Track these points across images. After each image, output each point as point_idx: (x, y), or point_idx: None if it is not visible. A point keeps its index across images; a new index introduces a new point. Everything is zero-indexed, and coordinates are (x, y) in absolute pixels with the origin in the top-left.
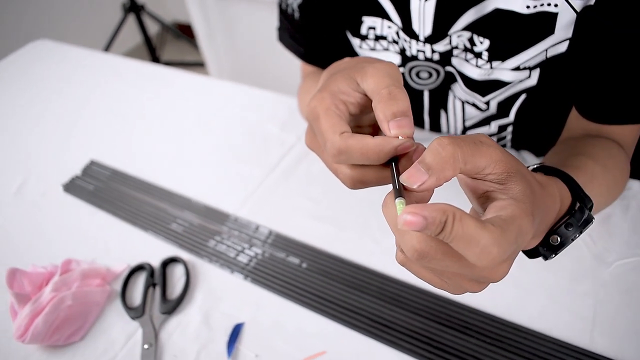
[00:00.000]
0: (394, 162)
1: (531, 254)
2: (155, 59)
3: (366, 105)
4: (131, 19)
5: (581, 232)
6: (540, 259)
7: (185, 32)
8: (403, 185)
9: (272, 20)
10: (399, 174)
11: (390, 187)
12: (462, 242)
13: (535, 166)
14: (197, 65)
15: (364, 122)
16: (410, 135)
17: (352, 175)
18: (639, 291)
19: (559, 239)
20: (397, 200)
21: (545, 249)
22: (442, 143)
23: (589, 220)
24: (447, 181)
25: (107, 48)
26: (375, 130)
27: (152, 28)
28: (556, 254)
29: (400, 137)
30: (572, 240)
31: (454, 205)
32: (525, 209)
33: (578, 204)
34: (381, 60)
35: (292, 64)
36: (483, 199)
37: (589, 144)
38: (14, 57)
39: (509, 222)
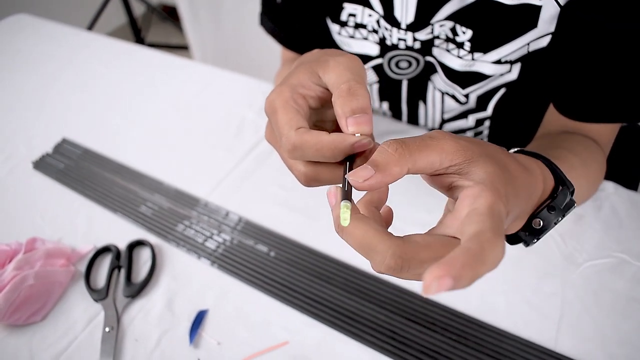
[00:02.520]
0: (349, 162)
1: (512, 239)
2: (139, 40)
3: (327, 100)
4: None
5: (563, 216)
6: (520, 246)
7: (170, 14)
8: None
9: (257, 6)
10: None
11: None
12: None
13: (515, 150)
14: (182, 48)
15: (327, 116)
16: (369, 133)
17: (306, 173)
18: (606, 293)
19: (541, 222)
20: (343, 203)
21: (527, 233)
22: (387, 142)
23: (571, 205)
24: (394, 179)
25: (91, 27)
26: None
27: (138, 9)
28: (538, 239)
29: (357, 135)
30: (555, 224)
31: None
32: (491, 189)
33: (560, 187)
34: (344, 53)
35: (275, 51)
36: (451, 191)
37: (566, 139)
38: None
39: (476, 214)
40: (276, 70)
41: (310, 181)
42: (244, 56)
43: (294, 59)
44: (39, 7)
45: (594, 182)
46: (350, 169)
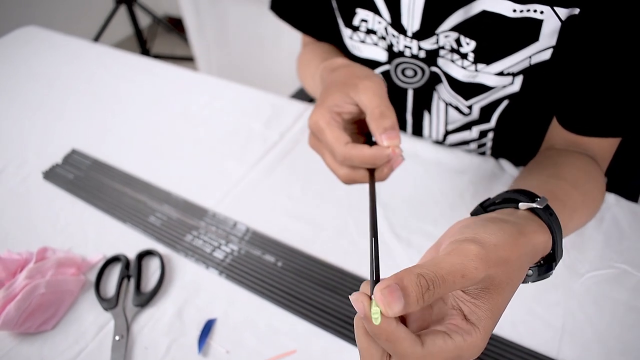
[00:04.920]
0: (371, 178)
1: None
2: (145, 51)
3: (358, 113)
4: (122, 10)
5: (534, 282)
6: None
7: (176, 26)
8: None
9: (263, 18)
10: (377, 264)
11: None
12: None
13: (540, 207)
14: (187, 59)
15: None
16: (398, 144)
17: (346, 174)
18: (609, 303)
19: None
20: (374, 304)
21: None
22: (422, 280)
23: (548, 276)
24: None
25: (97, 38)
26: (359, 125)
27: (144, 20)
28: None
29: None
30: (522, 282)
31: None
32: (477, 341)
33: (550, 254)
34: (369, 76)
35: (279, 63)
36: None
37: (570, 165)
38: (0, 43)
39: (449, 348)
40: (278, 82)
41: (349, 181)
42: (249, 68)
43: (314, 42)
44: (47, 19)
45: (592, 212)
46: (372, 176)
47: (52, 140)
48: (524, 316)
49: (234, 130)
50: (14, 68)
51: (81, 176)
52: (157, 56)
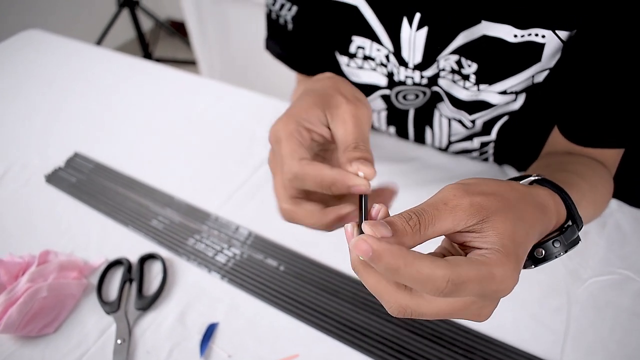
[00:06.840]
0: (364, 199)
1: None
2: (147, 55)
3: (330, 140)
4: (125, 14)
5: (566, 252)
6: None
7: (178, 29)
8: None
9: (264, 22)
10: (367, 211)
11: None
12: (415, 284)
13: (537, 178)
14: (189, 63)
15: (328, 148)
16: (370, 176)
17: (286, 209)
18: (611, 308)
19: (543, 252)
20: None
21: (526, 258)
22: (407, 215)
23: (576, 242)
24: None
25: (100, 42)
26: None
27: (146, 24)
28: (536, 266)
29: (360, 174)
30: (556, 257)
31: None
32: (502, 259)
33: (570, 223)
34: (355, 101)
35: (281, 67)
36: (462, 246)
37: (575, 162)
38: (3, 46)
39: (476, 264)
40: (280, 86)
41: (288, 218)
42: (251, 72)
43: (308, 78)
44: (50, 23)
45: (601, 206)
46: (365, 205)
47: (55, 144)
48: (526, 321)
49: (237, 134)
50: (17, 71)
51: (83, 179)
52: (160, 60)
